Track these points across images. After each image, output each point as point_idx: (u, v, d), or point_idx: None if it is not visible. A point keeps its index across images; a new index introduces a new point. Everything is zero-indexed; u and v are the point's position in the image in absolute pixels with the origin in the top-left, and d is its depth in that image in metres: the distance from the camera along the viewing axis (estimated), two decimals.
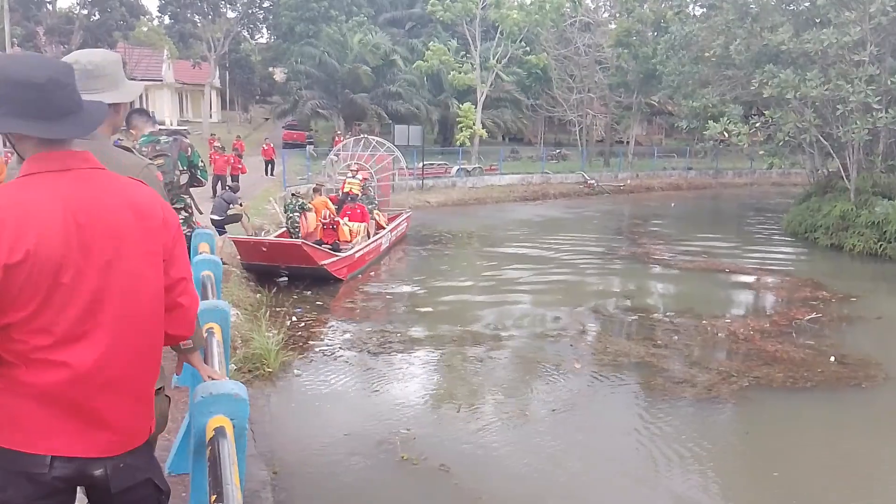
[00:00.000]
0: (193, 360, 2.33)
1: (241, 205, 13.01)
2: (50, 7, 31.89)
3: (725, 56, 22.16)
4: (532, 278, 14.14)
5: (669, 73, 27.16)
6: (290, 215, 13.40)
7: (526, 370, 8.74)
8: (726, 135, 20.70)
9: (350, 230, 14.46)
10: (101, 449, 1.65)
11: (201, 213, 6.09)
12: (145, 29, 38.92)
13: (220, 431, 2.15)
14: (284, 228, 14.08)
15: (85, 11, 32.41)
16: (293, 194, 14.80)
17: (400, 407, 7.64)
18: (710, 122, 20.84)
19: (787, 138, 19.59)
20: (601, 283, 14.15)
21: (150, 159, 5.14)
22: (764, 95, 19.59)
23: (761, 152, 22.63)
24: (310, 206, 14.06)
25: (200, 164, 5.32)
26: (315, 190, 15.71)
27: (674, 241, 19.44)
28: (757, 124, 21.02)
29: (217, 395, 2.28)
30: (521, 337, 10.11)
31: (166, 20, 40.17)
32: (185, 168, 5.20)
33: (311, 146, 30.32)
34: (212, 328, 3.18)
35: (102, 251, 1.60)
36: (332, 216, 14.31)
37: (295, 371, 8.58)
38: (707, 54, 23.14)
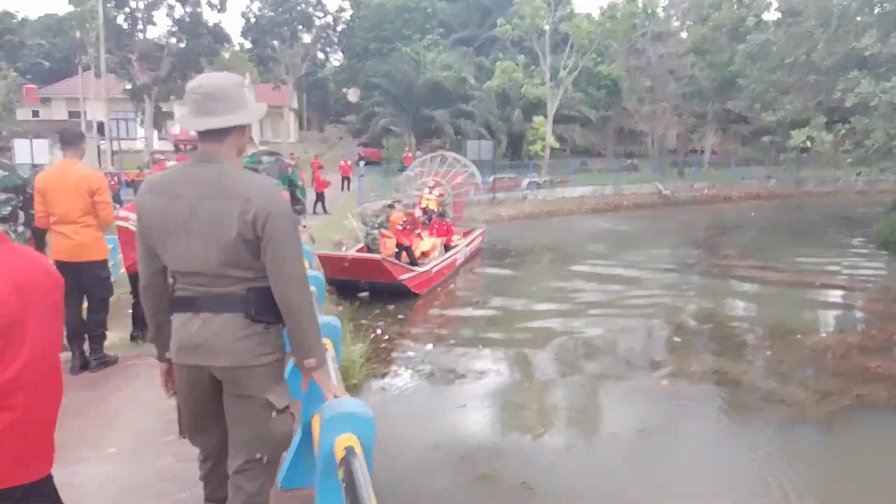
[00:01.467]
0: (320, 378, 2.41)
1: (304, 227, 13.30)
2: (141, 35, 33.65)
3: (807, 62, 21.41)
4: (610, 294, 13.87)
5: (748, 81, 26.38)
6: (371, 232, 13.67)
7: (610, 389, 8.61)
8: (809, 143, 19.95)
9: (425, 246, 14.64)
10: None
11: (313, 240, 6.31)
12: (227, 55, 40.59)
13: (350, 451, 2.20)
14: (363, 244, 14.37)
15: (174, 40, 34.09)
16: (374, 215, 14.99)
17: (482, 424, 7.62)
18: (793, 131, 20.11)
19: (876, 146, 18.71)
20: (683, 297, 13.78)
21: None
22: (846, 105, 18.81)
23: (849, 160, 21.65)
24: (388, 224, 14.29)
25: (300, 183, 5.55)
26: (390, 206, 15.99)
27: (757, 253, 18.76)
28: (842, 132, 20.19)
29: (344, 413, 2.34)
30: (602, 355, 9.95)
31: (247, 45, 41.77)
32: (284, 187, 5.44)
33: (362, 161, 30.78)
34: (324, 344, 3.34)
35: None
36: (409, 223, 14.46)
37: (379, 384, 8.74)
38: (788, 61, 22.42)
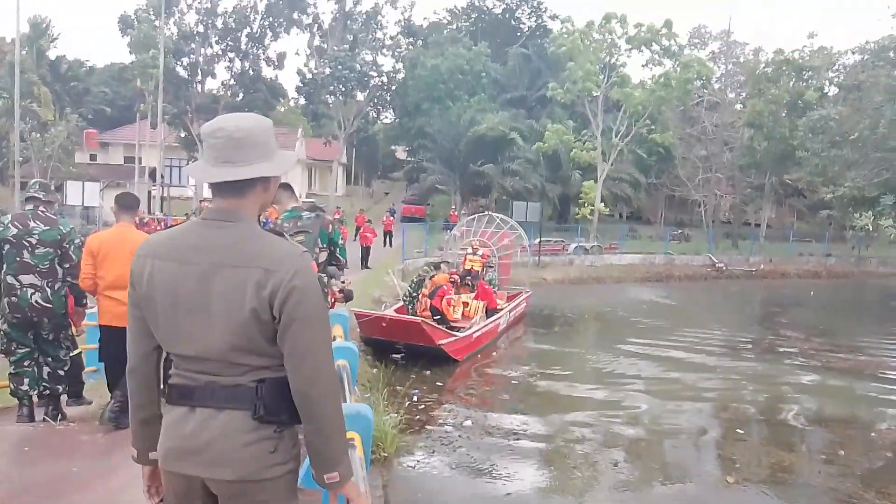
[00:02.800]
0: (349, 491, 1.91)
1: (344, 282, 12.85)
2: (199, 87, 34.74)
3: (873, 137, 20.58)
4: (662, 372, 12.90)
5: (810, 154, 25.57)
6: (415, 294, 13.13)
7: (668, 481, 7.74)
8: (869, 225, 18.93)
9: (463, 309, 14.05)
10: None
11: (351, 297, 5.82)
12: (283, 109, 41.61)
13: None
14: (401, 303, 13.85)
15: (230, 93, 35.12)
16: (420, 275, 14.48)
17: None
18: (858, 213, 19.12)
19: None
20: (742, 381, 12.73)
21: (290, 235, 4.97)
22: None
23: None
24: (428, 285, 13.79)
25: (341, 242, 5.09)
26: (436, 266, 15.50)
27: (820, 336, 17.61)
28: None
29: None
30: (655, 442, 9.04)
31: (301, 101, 42.78)
32: (325, 245, 4.97)
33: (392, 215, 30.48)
34: (352, 439, 2.75)
35: None
36: (446, 291, 13.92)
37: (411, 459, 8.07)
38: (852, 137, 21.62)
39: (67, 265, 5.22)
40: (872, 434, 9.88)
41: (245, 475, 1.77)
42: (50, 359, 5.51)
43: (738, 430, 9.66)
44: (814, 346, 16.25)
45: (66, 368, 5.60)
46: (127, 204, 5.22)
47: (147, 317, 1.84)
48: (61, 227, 5.22)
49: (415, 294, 13.10)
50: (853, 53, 30.98)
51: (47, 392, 5.58)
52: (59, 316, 5.35)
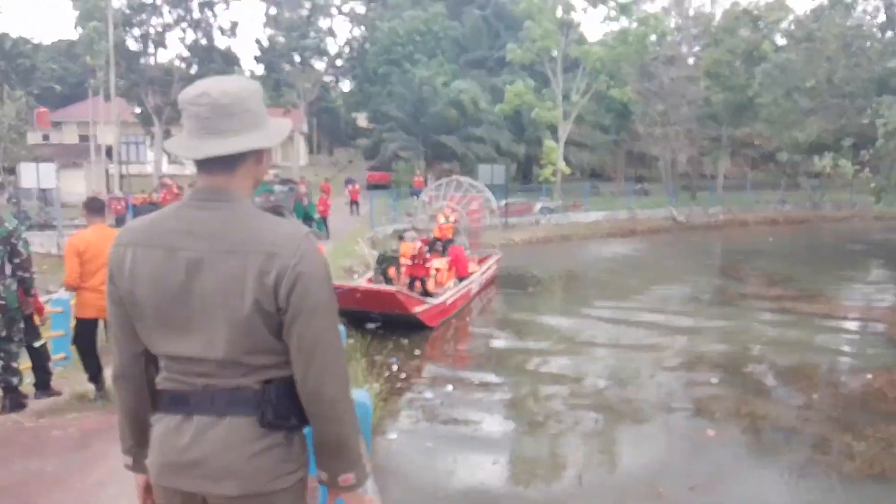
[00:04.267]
0: (356, 499, 1.71)
1: None
2: (152, 60, 33.48)
3: (828, 85, 20.85)
4: (633, 329, 13.02)
5: (766, 104, 25.83)
6: (382, 266, 12.96)
7: (651, 438, 7.82)
8: (829, 168, 19.24)
9: (436, 276, 13.96)
10: None
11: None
12: None
13: None
14: (371, 276, 13.69)
15: (184, 65, 33.88)
16: (385, 252, 14.19)
17: (510, 476, 6.99)
18: (816, 157, 19.43)
19: None
20: (713, 331, 12.98)
21: (263, 210, 4.77)
22: (879, 132, 18.12)
23: (872, 185, 20.87)
24: (403, 259, 13.63)
25: (317, 216, 4.91)
26: (400, 238, 15.32)
27: (784, 282, 18.00)
28: (867, 157, 19.50)
29: None
30: (636, 399, 9.10)
31: (258, 70, 41.59)
32: (300, 220, 4.79)
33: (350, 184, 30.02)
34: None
35: None
36: (420, 258, 13.80)
37: (395, 427, 8.04)
38: (809, 84, 21.86)
39: (17, 260, 5.34)
40: (842, 377, 10.18)
41: (253, 489, 1.58)
42: (3, 353, 5.51)
43: (711, 381, 9.80)
44: (777, 292, 16.62)
45: (17, 361, 5.66)
46: (95, 208, 5.77)
47: (131, 314, 1.62)
48: (7, 226, 5.35)
49: (382, 267, 12.91)
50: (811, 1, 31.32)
51: (2, 385, 5.58)
52: (11, 311, 5.41)
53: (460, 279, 14.53)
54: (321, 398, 1.58)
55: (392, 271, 12.88)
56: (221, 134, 1.56)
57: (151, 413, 1.68)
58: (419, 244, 13.83)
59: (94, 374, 5.88)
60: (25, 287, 5.48)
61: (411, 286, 13.47)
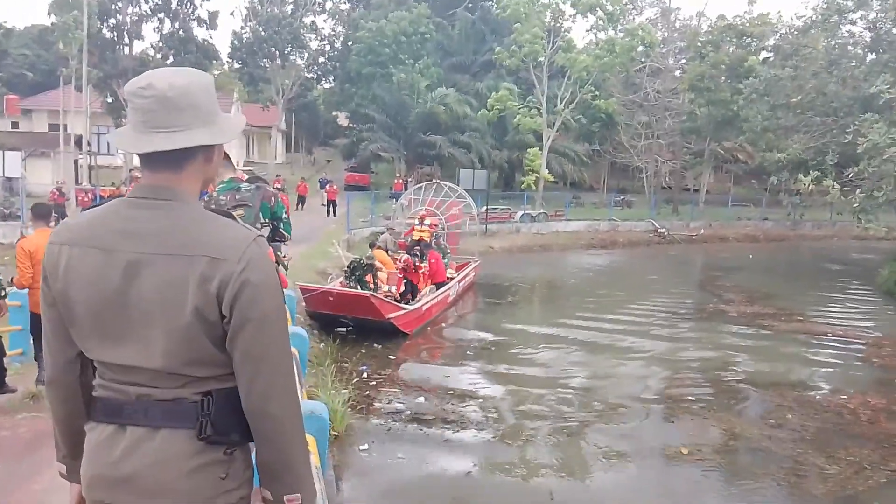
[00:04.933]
0: None
1: (286, 257, 12.38)
2: (127, 50, 32.88)
3: (814, 101, 20.97)
4: (611, 342, 12.92)
5: (751, 119, 25.96)
6: (357, 275, 12.61)
7: (624, 454, 7.65)
8: (813, 187, 19.31)
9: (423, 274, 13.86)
10: None
11: (286, 268, 5.39)
12: (217, 73, 39.80)
13: None
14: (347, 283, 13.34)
15: (160, 55, 33.32)
16: (360, 260, 13.77)
17: (481, 489, 6.80)
18: (801, 175, 19.43)
19: (885, 197, 18.05)
20: (689, 346, 12.90)
21: (228, 209, 4.51)
22: (859, 150, 18.21)
23: (855, 204, 20.91)
24: (378, 264, 13.38)
25: (284, 216, 4.66)
26: (371, 245, 15.09)
27: (762, 299, 18.01)
28: (850, 176, 19.59)
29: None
30: (610, 414, 8.97)
31: (236, 65, 41.09)
32: (267, 220, 4.54)
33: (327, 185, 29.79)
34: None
35: None
36: (405, 264, 13.65)
37: (362, 437, 7.80)
38: (794, 101, 21.97)
39: None
40: (817, 396, 10.09)
41: None
42: None
43: (688, 398, 9.69)
44: (755, 309, 16.60)
45: None
46: (40, 213, 6.20)
47: (64, 317, 1.52)
48: None
49: (357, 276, 12.58)
50: (795, 18, 31.63)
51: None
52: None
53: (437, 285, 14.32)
54: (266, 415, 1.48)
55: (369, 278, 12.59)
56: (168, 129, 1.46)
57: (86, 421, 1.58)
58: (407, 257, 13.66)
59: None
60: None
61: (406, 292, 13.35)
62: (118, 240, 1.46)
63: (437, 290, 14.20)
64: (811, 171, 18.78)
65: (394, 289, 13.52)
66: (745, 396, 9.95)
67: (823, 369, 11.75)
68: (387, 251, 15.45)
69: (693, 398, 9.66)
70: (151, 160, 1.49)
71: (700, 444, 7.95)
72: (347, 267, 12.97)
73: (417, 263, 13.61)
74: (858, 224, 21.49)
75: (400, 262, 13.87)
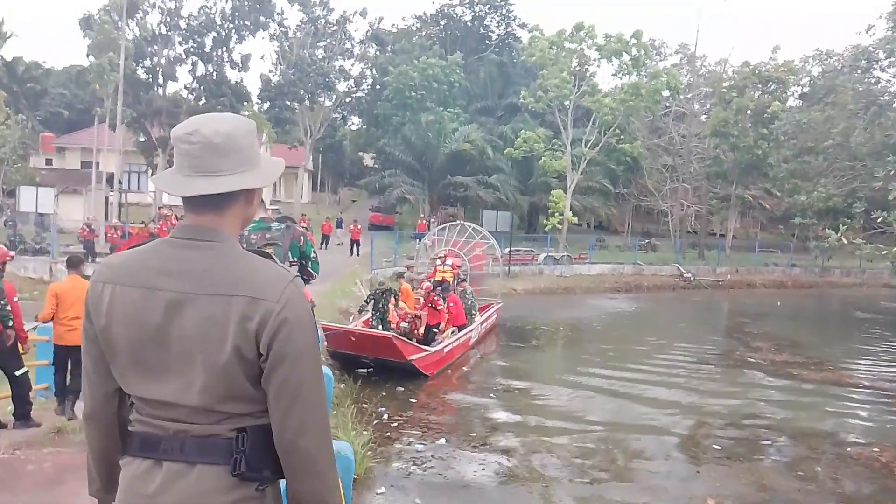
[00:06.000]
0: None
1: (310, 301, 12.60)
2: (161, 91, 33.84)
3: (844, 146, 20.81)
4: (636, 389, 12.64)
5: (779, 163, 25.81)
6: (380, 305, 12.68)
7: None
8: (845, 241, 18.89)
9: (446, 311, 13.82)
10: None
11: (314, 305, 5.42)
12: (247, 114, 40.57)
13: None
14: (367, 316, 13.40)
15: (192, 97, 34.25)
16: (380, 286, 14.02)
17: None
18: (829, 230, 19.05)
19: None
20: (717, 396, 12.58)
21: (259, 248, 4.57)
22: (890, 199, 17.94)
23: (884, 252, 20.51)
24: (398, 292, 13.49)
25: (313, 255, 4.70)
26: (400, 275, 15.16)
27: (791, 347, 17.64)
28: (879, 220, 19.26)
29: None
30: (635, 461, 8.77)
31: (265, 106, 42.06)
32: (295, 259, 4.58)
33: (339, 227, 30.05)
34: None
35: None
36: (430, 301, 13.63)
37: (381, 480, 7.69)
38: (825, 144, 21.83)
39: None
40: (848, 449, 9.77)
41: None
42: None
43: (714, 447, 9.45)
44: (784, 357, 16.27)
45: None
46: (73, 263, 7.06)
47: (106, 353, 1.55)
48: None
49: (380, 309, 12.68)
50: (814, 61, 31.65)
51: None
52: None
53: (457, 328, 14.18)
54: (299, 450, 1.50)
55: (390, 305, 12.72)
56: (212, 173, 1.52)
57: (121, 456, 1.59)
58: (427, 284, 13.68)
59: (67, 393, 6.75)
60: (2, 320, 5.68)
61: (427, 334, 13.32)
62: (160, 278, 1.50)
63: (459, 331, 14.12)
64: (839, 220, 18.40)
65: (407, 325, 13.46)
66: (773, 447, 9.69)
67: (853, 420, 11.41)
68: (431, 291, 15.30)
69: (719, 447, 9.42)
70: (195, 202, 1.54)
71: (727, 495, 7.73)
72: (367, 299, 13.07)
73: (436, 299, 13.58)
74: (894, 275, 21.07)
75: (421, 290, 13.84)
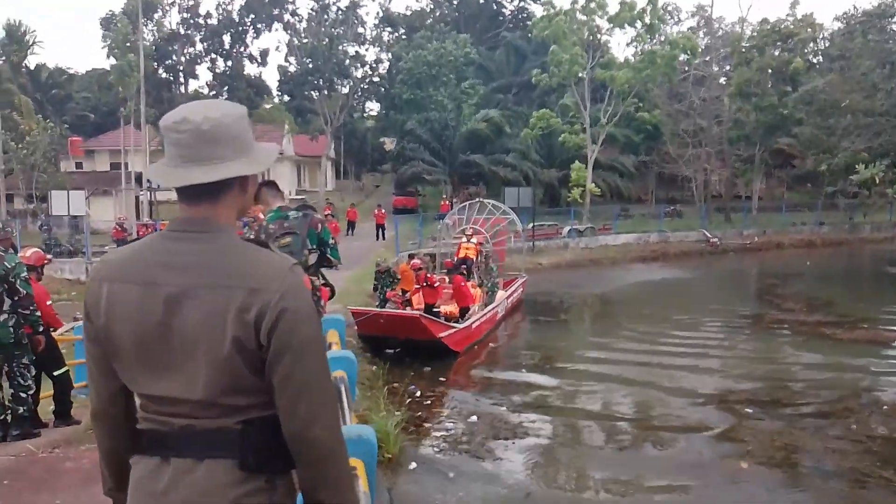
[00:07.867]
0: None
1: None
2: (181, 89, 34.21)
3: (864, 104, 20.35)
4: (667, 357, 12.59)
5: (802, 123, 25.32)
6: (382, 289, 12.97)
7: (682, 470, 7.50)
8: (877, 180, 18.39)
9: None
10: None
11: (334, 293, 5.53)
12: (268, 107, 40.90)
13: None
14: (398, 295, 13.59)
15: (213, 93, 34.55)
16: (379, 270, 14.16)
17: None
18: (860, 166, 18.53)
19: None
20: (750, 360, 12.55)
21: (277, 237, 4.67)
22: None
23: None
24: (395, 272, 13.70)
25: (332, 241, 4.78)
26: (411, 256, 15.30)
27: (823, 307, 17.44)
28: None
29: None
30: (668, 429, 8.82)
31: (285, 97, 42.21)
32: (314, 247, 4.66)
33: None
34: (354, 468, 2.48)
35: None
36: (424, 279, 13.64)
37: (416, 459, 7.84)
38: (843, 104, 21.40)
39: (16, 297, 5.46)
40: (885, 407, 9.70)
41: None
42: (11, 387, 5.68)
43: (747, 410, 9.45)
44: (816, 318, 16.09)
45: (29, 392, 5.75)
46: None
47: (107, 352, 1.53)
48: (7, 263, 5.46)
49: (382, 291, 12.96)
50: (836, 21, 30.86)
51: (10, 414, 5.69)
52: (9, 346, 5.52)
53: (462, 310, 13.98)
54: (308, 440, 1.47)
55: (390, 293, 12.93)
56: (204, 161, 1.47)
57: (131, 454, 1.57)
58: (417, 261, 13.84)
59: None
60: (32, 325, 5.61)
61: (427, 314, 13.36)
62: (158, 273, 1.46)
63: (486, 307, 14.20)
64: (868, 166, 17.82)
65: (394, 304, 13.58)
66: (806, 409, 9.67)
67: (890, 379, 11.29)
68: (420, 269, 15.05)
69: (751, 410, 9.42)
70: (188, 193, 1.50)
71: (760, 458, 7.74)
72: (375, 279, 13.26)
73: (430, 276, 13.65)
74: None
75: (447, 282, 13.93)
